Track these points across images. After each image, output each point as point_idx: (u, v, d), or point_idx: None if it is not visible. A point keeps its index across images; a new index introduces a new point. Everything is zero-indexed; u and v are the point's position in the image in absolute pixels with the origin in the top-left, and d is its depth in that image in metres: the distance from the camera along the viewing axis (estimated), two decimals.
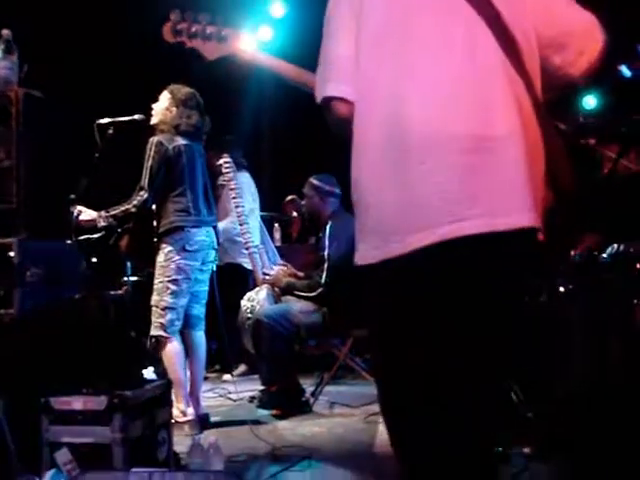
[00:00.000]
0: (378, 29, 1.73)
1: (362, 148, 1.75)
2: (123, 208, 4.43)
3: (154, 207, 4.61)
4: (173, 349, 4.47)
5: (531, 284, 1.77)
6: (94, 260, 5.00)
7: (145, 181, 4.42)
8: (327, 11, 1.87)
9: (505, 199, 1.62)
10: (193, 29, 2.21)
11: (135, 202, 4.41)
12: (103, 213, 4.43)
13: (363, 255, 1.74)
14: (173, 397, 4.12)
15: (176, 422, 4.31)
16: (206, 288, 4.79)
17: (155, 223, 4.60)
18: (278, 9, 8.14)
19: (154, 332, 4.44)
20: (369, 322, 1.82)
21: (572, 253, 3.59)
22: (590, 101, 8.88)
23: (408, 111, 1.64)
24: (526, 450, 3.69)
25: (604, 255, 3.39)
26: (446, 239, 1.59)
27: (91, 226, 4.48)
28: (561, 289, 4.13)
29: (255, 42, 2.27)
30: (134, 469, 2.66)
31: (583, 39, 1.87)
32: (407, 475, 1.76)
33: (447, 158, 1.61)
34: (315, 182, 5.40)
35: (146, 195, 4.41)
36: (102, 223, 4.43)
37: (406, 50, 1.69)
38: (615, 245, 3.33)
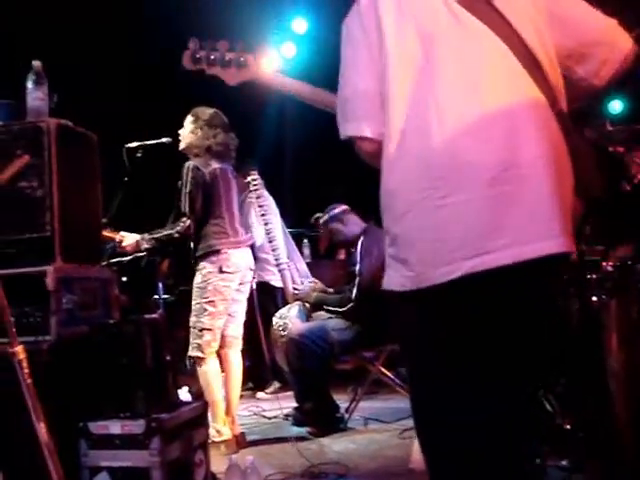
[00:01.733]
0: (403, 58, 1.74)
1: (389, 178, 1.76)
2: (166, 233, 4.50)
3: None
4: (210, 370, 4.51)
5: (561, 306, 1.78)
6: (125, 281, 5.07)
7: (186, 208, 4.48)
8: (342, 41, 1.88)
9: (532, 227, 1.63)
10: (212, 56, 2.23)
11: (179, 228, 4.47)
12: (146, 235, 4.52)
13: (391, 281, 1.77)
14: (210, 417, 4.15)
15: (213, 442, 4.34)
16: (244, 308, 4.83)
17: (192, 245, 4.65)
18: (300, 25, 8.19)
19: (192, 353, 4.51)
20: (400, 343, 1.84)
21: (604, 264, 3.56)
22: (616, 106, 8.84)
23: (434, 143, 1.65)
24: (564, 463, 3.66)
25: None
26: (473, 272, 1.62)
27: (134, 250, 4.55)
28: (594, 299, 4.10)
29: (276, 63, 2.31)
30: None
31: (604, 48, 1.85)
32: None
33: (473, 192, 1.62)
34: (325, 217, 5.44)
35: (189, 222, 4.47)
36: (145, 245, 4.53)
37: (430, 80, 1.70)
38: None
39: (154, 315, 3.47)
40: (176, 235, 4.46)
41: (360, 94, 1.81)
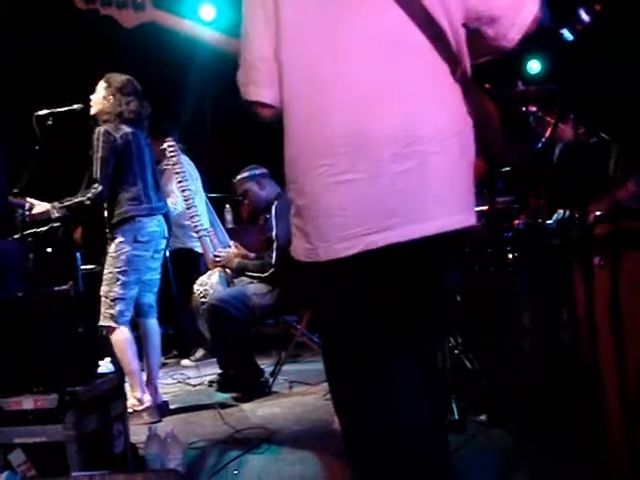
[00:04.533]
0: (298, 22, 1.70)
1: (289, 151, 1.74)
2: (77, 200, 4.36)
3: None
4: (124, 339, 4.45)
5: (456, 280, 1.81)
6: (42, 254, 4.95)
7: (98, 173, 4.36)
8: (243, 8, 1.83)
9: (431, 205, 1.64)
10: None
11: (90, 195, 4.34)
12: (57, 204, 4.38)
13: (296, 251, 1.77)
14: (128, 387, 4.11)
15: (134, 411, 4.31)
16: (158, 276, 4.77)
17: (106, 213, 4.55)
18: None
19: (103, 322, 4.42)
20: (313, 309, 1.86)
21: (516, 222, 3.63)
22: (534, 66, 8.93)
23: (333, 117, 1.64)
24: (482, 418, 3.75)
25: (550, 222, 3.42)
26: (369, 249, 1.62)
27: (44, 218, 4.43)
28: (509, 256, 4.19)
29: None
30: (74, 473, 2.66)
31: (513, 11, 1.82)
32: (353, 450, 1.80)
33: (371, 169, 1.61)
34: (243, 175, 5.40)
35: (100, 188, 4.35)
36: (56, 214, 4.39)
37: (329, 48, 1.66)
38: (561, 211, 3.36)
39: (64, 287, 3.39)
40: (87, 202, 4.34)
41: (260, 58, 1.77)
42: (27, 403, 2.97)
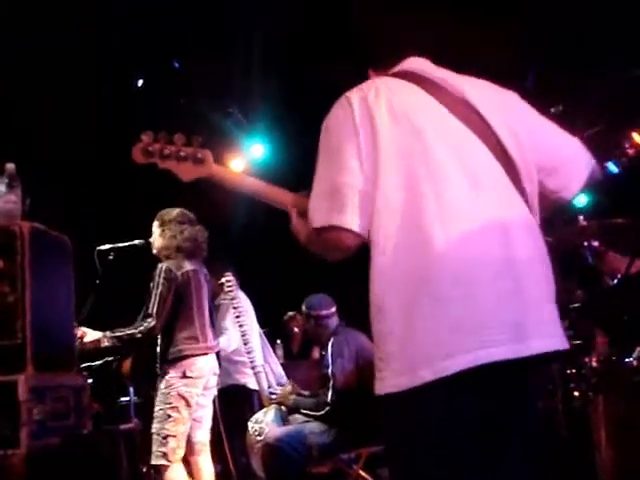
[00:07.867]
0: (398, 155, 1.76)
1: (386, 276, 1.74)
2: (129, 332, 4.39)
3: None
4: (177, 477, 4.33)
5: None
6: (95, 386, 4.92)
7: (154, 308, 4.38)
8: (326, 130, 1.87)
9: (532, 323, 1.68)
10: (166, 151, 2.10)
11: (142, 328, 4.36)
12: (108, 333, 4.41)
13: (385, 384, 1.74)
14: None
15: None
16: (209, 412, 4.71)
17: (160, 349, 4.53)
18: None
19: (156, 461, 4.30)
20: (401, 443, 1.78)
21: (587, 360, 3.53)
22: (581, 199, 8.96)
23: (434, 241, 1.67)
24: None
25: (630, 359, 3.32)
26: (476, 365, 1.63)
27: (95, 347, 4.42)
28: (576, 394, 4.05)
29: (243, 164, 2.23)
30: None
31: (573, 166, 1.98)
32: None
33: (474, 289, 1.65)
34: (305, 309, 5.36)
35: (154, 322, 4.36)
36: (106, 343, 4.41)
37: (431, 178, 1.72)
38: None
39: (129, 425, 3.33)
40: (139, 335, 4.35)
41: (348, 186, 1.76)
42: None
